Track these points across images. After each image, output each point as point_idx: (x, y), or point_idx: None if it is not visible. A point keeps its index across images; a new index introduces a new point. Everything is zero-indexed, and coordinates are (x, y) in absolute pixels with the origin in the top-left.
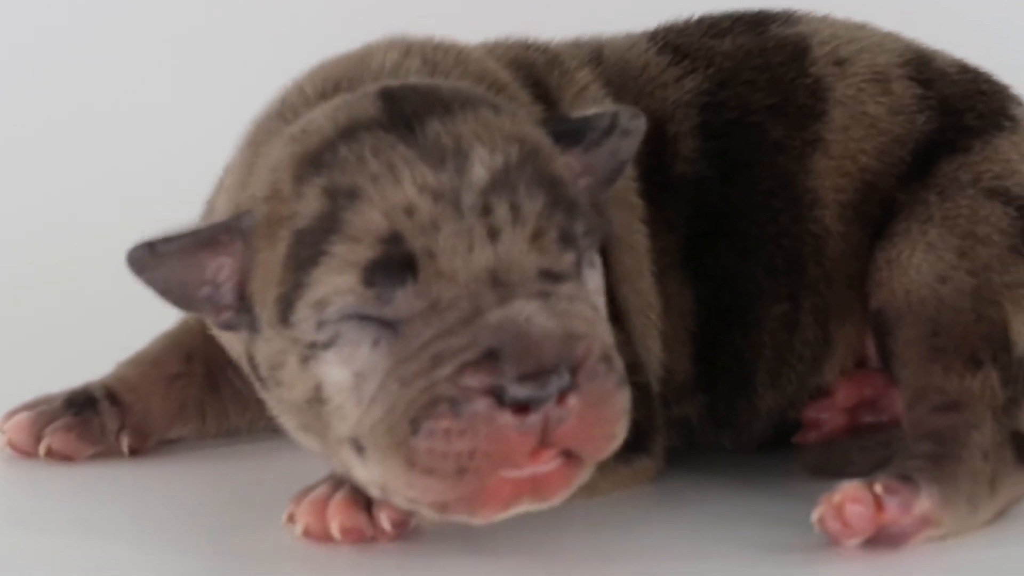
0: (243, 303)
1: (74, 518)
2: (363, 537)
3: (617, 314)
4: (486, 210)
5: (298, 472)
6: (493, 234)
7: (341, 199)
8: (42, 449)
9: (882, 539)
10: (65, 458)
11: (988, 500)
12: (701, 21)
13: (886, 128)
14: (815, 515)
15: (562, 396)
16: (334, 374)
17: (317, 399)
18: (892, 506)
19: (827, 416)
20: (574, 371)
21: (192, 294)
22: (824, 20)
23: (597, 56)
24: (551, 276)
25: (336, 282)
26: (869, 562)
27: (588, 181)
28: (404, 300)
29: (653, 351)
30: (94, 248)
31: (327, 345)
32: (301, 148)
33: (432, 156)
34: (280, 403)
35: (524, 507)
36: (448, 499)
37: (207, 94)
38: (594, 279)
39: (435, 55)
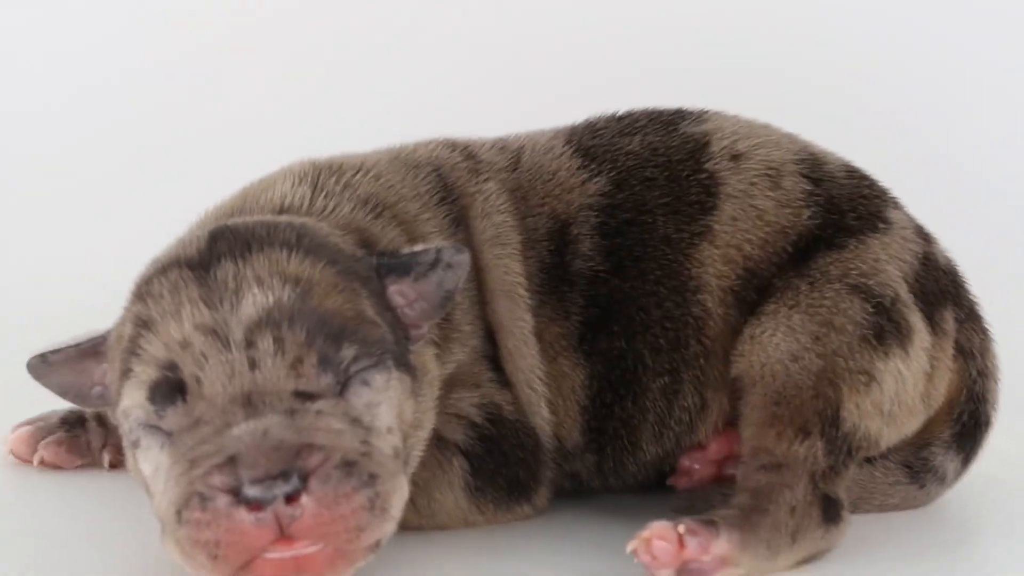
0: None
1: (55, 516)
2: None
3: (508, 384)
4: (249, 344)
5: None
6: (253, 364)
7: (141, 328)
8: (36, 459)
9: (687, 573)
10: (55, 467)
11: (788, 549)
12: (621, 119)
13: (772, 220)
14: (629, 547)
15: (292, 497)
16: (143, 467)
17: (143, 481)
18: (692, 545)
19: (699, 466)
20: (306, 476)
21: (85, 393)
22: (732, 119)
23: (515, 162)
24: (305, 396)
25: (133, 396)
26: None
27: (423, 305)
28: (174, 416)
29: (542, 416)
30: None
31: (135, 445)
32: (141, 276)
33: (214, 296)
34: None
35: None
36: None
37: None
38: (367, 395)
39: (327, 182)
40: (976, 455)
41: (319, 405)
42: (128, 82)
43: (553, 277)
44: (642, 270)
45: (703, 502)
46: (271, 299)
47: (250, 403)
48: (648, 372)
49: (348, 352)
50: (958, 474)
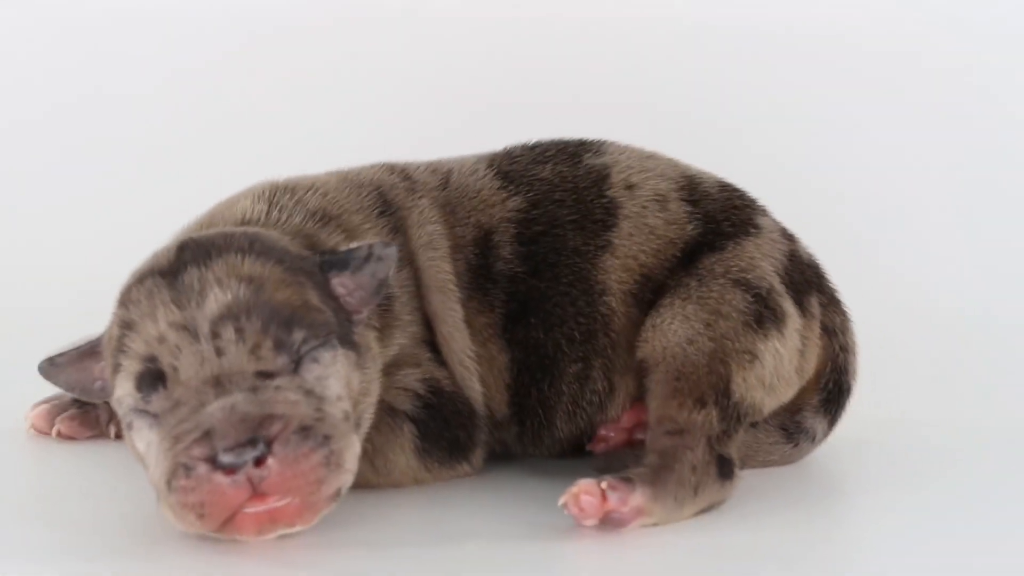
0: None
1: (71, 478)
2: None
3: (444, 364)
4: (215, 335)
5: None
6: (219, 352)
7: (125, 329)
8: (54, 432)
9: (609, 523)
10: (70, 438)
11: (691, 501)
12: (533, 148)
13: (662, 234)
14: (560, 501)
15: (260, 460)
16: (137, 445)
17: (139, 457)
18: (613, 498)
19: (614, 434)
20: (270, 442)
21: (88, 388)
22: (625, 151)
23: (445, 182)
24: (264, 375)
25: (124, 387)
26: (598, 537)
27: (361, 293)
28: (158, 401)
29: (474, 389)
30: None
31: (129, 427)
32: (123, 286)
33: (182, 298)
34: None
35: (280, 531)
36: (210, 531)
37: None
38: (317, 370)
39: (282, 198)
40: (839, 418)
41: (277, 382)
42: (128, 86)
43: (478, 276)
44: (556, 274)
45: (619, 463)
46: (230, 296)
47: (219, 384)
48: (565, 359)
49: (298, 335)
50: (825, 434)
